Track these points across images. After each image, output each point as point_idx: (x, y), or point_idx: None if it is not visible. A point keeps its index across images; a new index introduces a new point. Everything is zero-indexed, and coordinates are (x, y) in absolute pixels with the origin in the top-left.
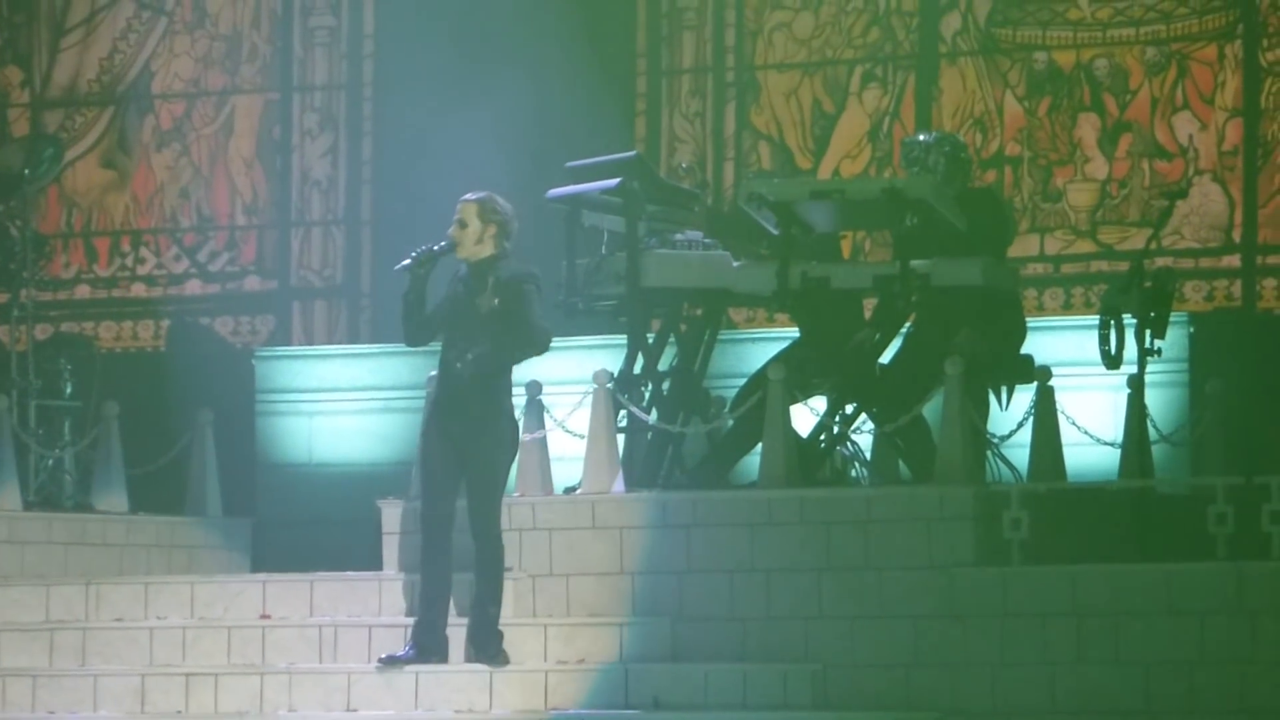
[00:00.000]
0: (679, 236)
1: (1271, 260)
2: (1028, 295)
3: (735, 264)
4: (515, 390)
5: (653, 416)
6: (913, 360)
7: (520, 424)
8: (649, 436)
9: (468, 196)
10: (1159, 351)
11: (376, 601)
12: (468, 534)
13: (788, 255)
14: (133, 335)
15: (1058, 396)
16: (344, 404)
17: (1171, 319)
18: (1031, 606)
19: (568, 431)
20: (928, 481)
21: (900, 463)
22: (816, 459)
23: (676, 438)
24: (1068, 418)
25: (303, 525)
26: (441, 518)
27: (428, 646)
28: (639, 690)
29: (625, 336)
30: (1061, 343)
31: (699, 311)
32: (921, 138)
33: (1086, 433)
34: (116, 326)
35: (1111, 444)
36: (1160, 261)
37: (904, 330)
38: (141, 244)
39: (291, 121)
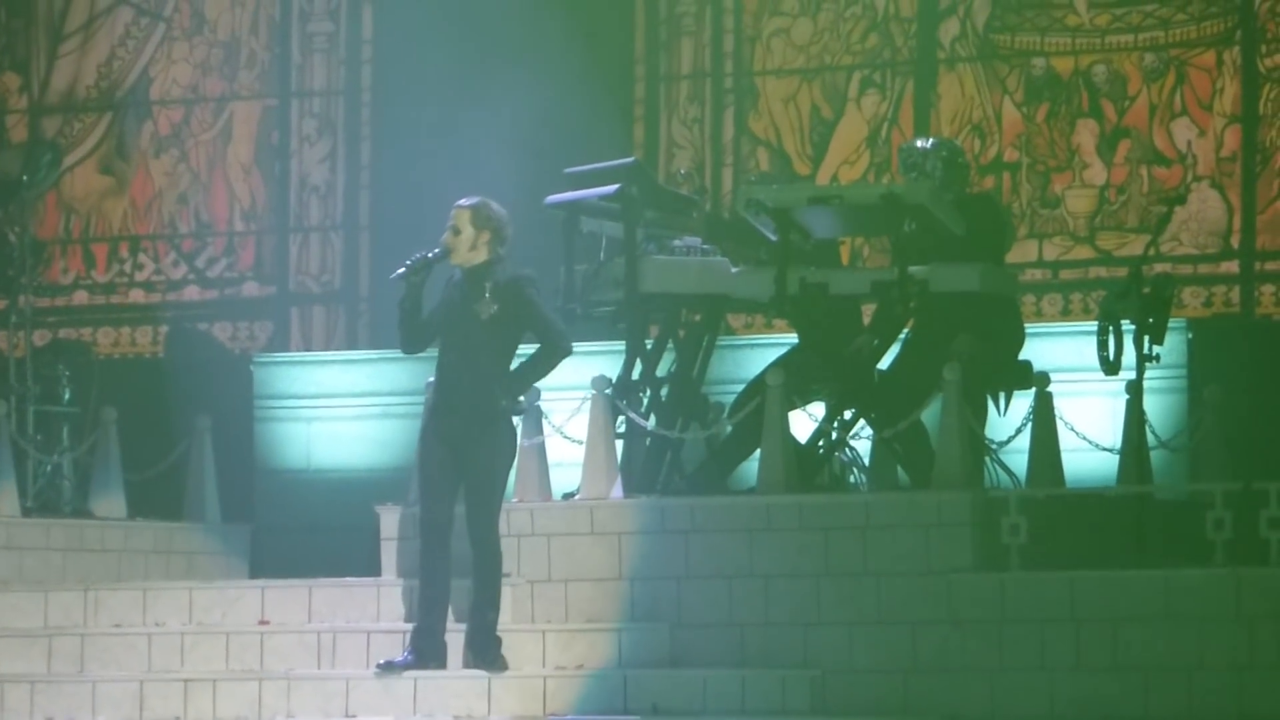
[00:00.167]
0: (677, 242)
1: (1270, 266)
2: (1026, 301)
3: (734, 270)
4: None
5: (651, 422)
6: (911, 366)
7: (519, 429)
8: (647, 442)
9: (461, 203)
10: (1157, 357)
11: (375, 607)
12: (466, 540)
13: (786, 261)
14: (131, 341)
15: (1056, 402)
16: (342, 409)
17: (1170, 325)
18: (1030, 612)
19: (566, 437)
20: (926, 487)
21: (899, 468)
22: (815, 464)
23: (675, 443)
24: (1066, 423)
25: (301, 531)
26: (440, 523)
27: (426, 652)
28: (637, 696)
29: (624, 342)
30: (1060, 348)
31: (697, 317)
32: (920, 143)
33: (1085, 438)
34: (115, 332)
35: (1110, 450)
36: (1159, 267)
37: (902, 336)
38: (140, 250)
39: (290, 127)
